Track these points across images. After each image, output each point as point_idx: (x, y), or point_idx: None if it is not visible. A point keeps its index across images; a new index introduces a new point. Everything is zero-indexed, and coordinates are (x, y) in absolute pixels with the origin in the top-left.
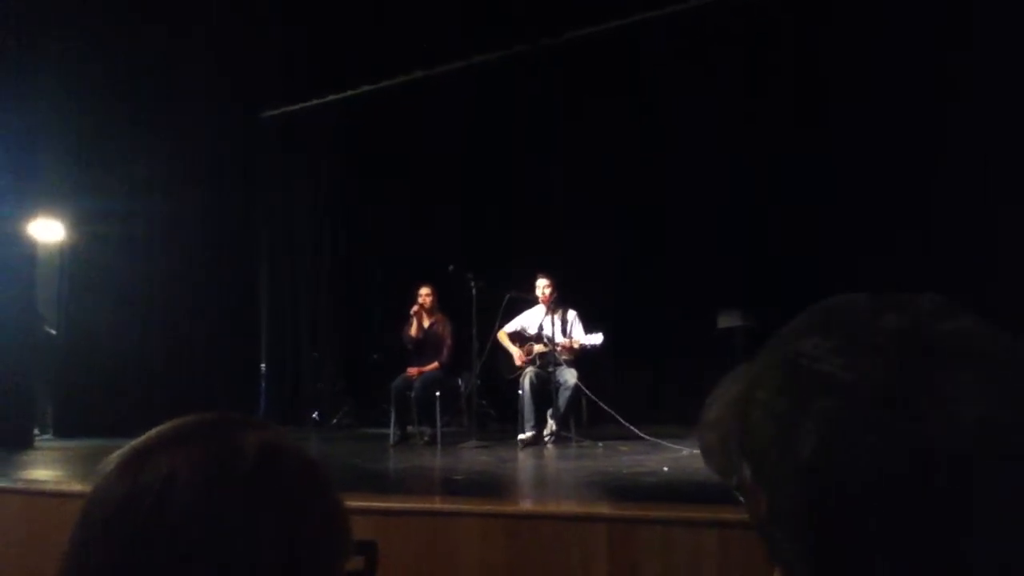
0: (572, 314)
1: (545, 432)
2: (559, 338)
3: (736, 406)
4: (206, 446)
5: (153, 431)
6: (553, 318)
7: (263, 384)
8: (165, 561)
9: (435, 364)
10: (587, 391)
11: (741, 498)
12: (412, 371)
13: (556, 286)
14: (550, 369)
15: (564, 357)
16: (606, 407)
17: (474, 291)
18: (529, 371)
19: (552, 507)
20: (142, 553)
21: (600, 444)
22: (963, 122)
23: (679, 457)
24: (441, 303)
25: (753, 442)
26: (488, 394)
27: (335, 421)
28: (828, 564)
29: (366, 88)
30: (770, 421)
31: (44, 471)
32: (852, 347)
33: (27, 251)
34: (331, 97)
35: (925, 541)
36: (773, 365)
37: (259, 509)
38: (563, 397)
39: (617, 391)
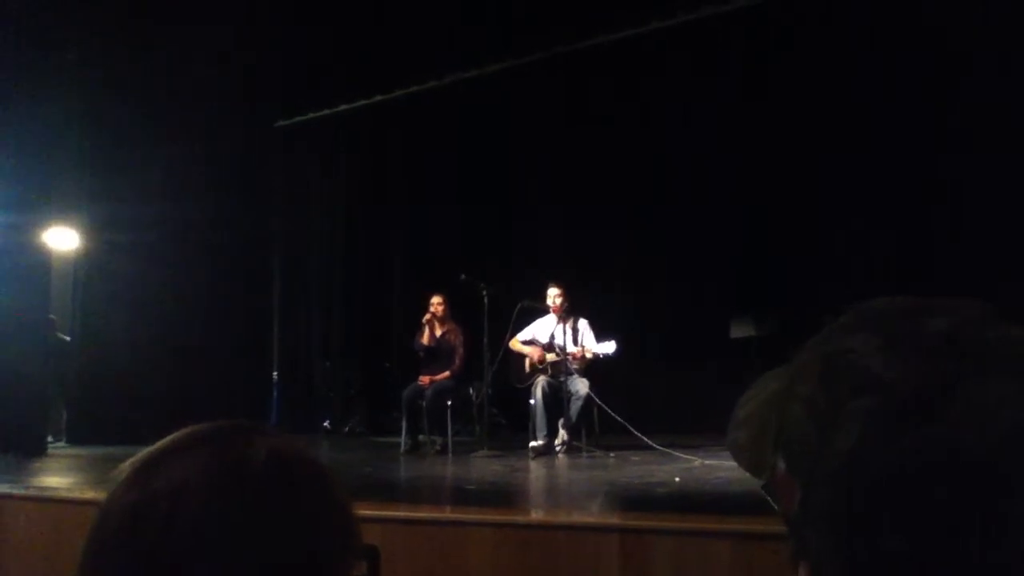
0: (583, 323)
1: (556, 442)
2: (570, 347)
3: (773, 403)
4: (217, 454)
5: (165, 439)
6: (564, 327)
7: (275, 392)
8: (177, 569)
9: (447, 373)
10: (599, 401)
11: (769, 497)
12: (424, 379)
13: (567, 295)
14: (562, 378)
15: (575, 366)
16: (618, 417)
17: (485, 300)
18: (541, 380)
19: (564, 517)
20: (155, 561)
21: (612, 454)
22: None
23: (691, 467)
24: (453, 312)
25: (790, 435)
26: (500, 403)
27: (347, 429)
28: (858, 559)
29: (378, 97)
30: (810, 414)
31: (57, 478)
32: (897, 347)
33: (42, 259)
34: (344, 106)
35: (952, 542)
36: (816, 360)
37: (269, 517)
38: (575, 407)
39: (629, 401)
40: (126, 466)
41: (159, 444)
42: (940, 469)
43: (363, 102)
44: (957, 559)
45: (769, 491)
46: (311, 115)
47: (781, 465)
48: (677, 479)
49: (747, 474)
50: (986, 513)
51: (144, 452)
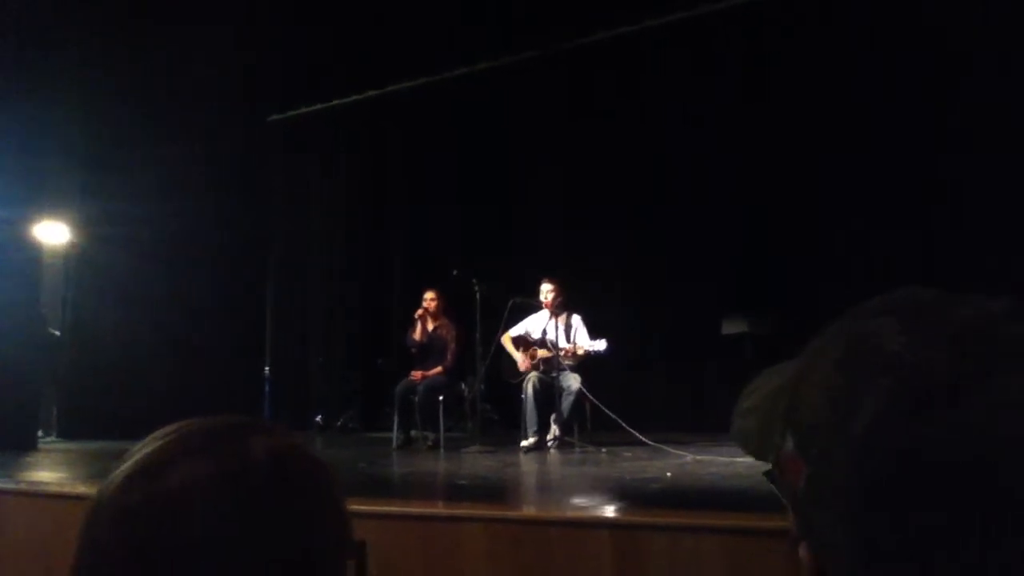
0: (576, 319)
1: (548, 437)
2: (562, 343)
3: (782, 391)
4: (217, 456)
5: (164, 433)
6: (557, 323)
7: (268, 387)
8: (176, 568)
9: (439, 368)
10: (590, 396)
11: (772, 483)
12: (416, 375)
13: (560, 291)
14: (553, 374)
15: (567, 362)
16: (609, 412)
17: (478, 295)
18: (532, 376)
19: (557, 513)
20: (154, 561)
21: (603, 450)
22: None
23: (683, 463)
24: (446, 308)
25: (803, 414)
26: (492, 399)
27: (339, 424)
28: (866, 536)
29: (371, 92)
30: (825, 393)
31: (48, 473)
32: (922, 332)
33: (32, 254)
34: (337, 101)
35: (959, 524)
36: (835, 342)
37: (268, 516)
38: (566, 402)
39: (621, 396)
40: (122, 464)
41: (157, 443)
42: (956, 451)
43: (359, 97)
44: (965, 543)
45: (772, 477)
46: (309, 108)
47: (789, 444)
48: (668, 474)
49: (740, 470)
50: (996, 502)
51: (141, 451)
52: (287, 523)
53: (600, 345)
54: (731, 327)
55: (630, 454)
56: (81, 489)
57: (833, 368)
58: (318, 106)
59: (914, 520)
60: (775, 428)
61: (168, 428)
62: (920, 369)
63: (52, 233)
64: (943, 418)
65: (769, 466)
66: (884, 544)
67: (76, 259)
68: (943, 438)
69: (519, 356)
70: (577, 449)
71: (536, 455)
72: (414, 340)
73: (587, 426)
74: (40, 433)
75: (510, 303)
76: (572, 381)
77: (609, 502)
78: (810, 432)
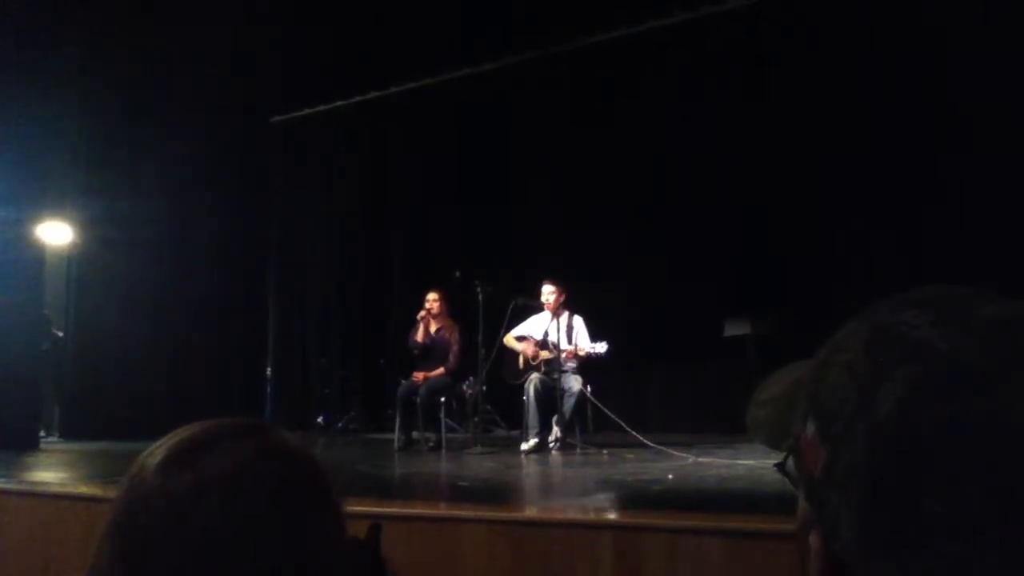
0: (578, 320)
1: (550, 439)
2: (564, 344)
3: (802, 382)
4: (261, 443)
5: (178, 432)
6: (558, 324)
7: (269, 388)
8: (235, 546)
9: (441, 370)
10: (592, 398)
11: (784, 475)
12: (418, 376)
13: (561, 292)
14: (555, 376)
15: (569, 364)
16: (611, 414)
17: (480, 297)
18: (534, 377)
19: (558, 514)
20: (211, 539)
21: (605, 451)
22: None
23: (684, 465)
24: (449, 309)
25: (825, 399)
26: (493, 400)
27: (340, 426)
28: (882, 520)
29: (373, 94)
30: (850, 379)
31: (50, 473)
32: (951, 323)
33: (35, 254)
34: (339, 103)
35: (977, 510)
36: (861, 331)
37: (306, 509)
38: (568, 404)
39: (623, 398)
40: (147, 460)
41: (176, 438)
42: (982, 440)
43: (361, 98)
44: (982, 523)
45: (784, 468)
46: (309, 111)
47: (810, 429)
48: (670, 476)
49: (741, 472)
50: (1000, 500)
51: (164, 445)
52: (310, 519)
53: (601, 347)
54: (733, 329)
55: (632, 456)
56: (82, 489)
57: (861, 354)
58: (319, 107)
59: (929, 506)
60: (794, 415)
61: (175, 431)
62: (951, 358)
63: (55, 234)
64: (969, 408)
65: (779, 458)
66: (899, 528)
67: (79, 260)
68: (960, 425)
69: (523, 345)
70: (578, 451)
71: (538, 456)
72: (416, 342)
73: (588, 428)
74: (42, 433)
75: (512, 304)
76: (574, 383)
77: (610, 504)
78: (833, 415)
